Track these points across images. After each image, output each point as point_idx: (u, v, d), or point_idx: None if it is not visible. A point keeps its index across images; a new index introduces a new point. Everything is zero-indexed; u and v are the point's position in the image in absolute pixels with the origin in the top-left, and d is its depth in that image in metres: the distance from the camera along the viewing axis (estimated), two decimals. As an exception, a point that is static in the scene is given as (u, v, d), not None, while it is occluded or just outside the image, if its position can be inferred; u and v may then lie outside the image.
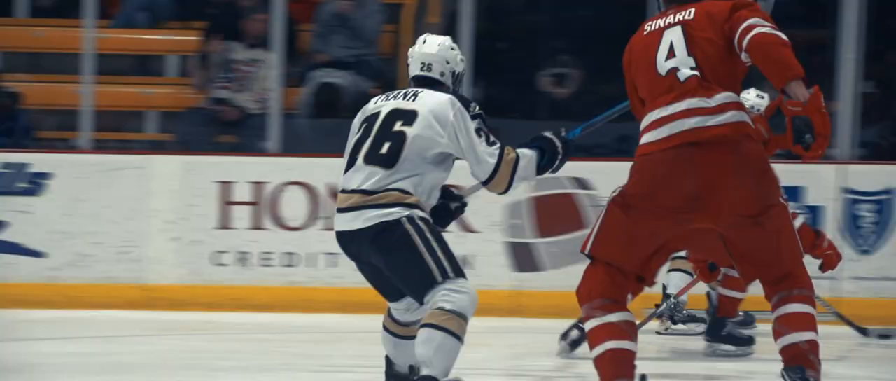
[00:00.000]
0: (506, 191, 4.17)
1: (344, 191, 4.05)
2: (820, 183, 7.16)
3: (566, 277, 6.17)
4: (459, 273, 3.95)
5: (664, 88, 3.81)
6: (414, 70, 4.25)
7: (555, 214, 7.19)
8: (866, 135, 7.53)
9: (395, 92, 4.19)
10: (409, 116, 4.02)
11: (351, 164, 4.07)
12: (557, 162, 4.18)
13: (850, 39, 7.39)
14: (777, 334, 3.86)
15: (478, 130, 4.06)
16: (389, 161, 3.98)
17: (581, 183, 7.16)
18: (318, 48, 8.33)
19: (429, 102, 4.04)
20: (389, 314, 4.21)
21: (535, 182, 6.87)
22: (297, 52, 8.24)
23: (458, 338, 3.86)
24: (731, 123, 3.74)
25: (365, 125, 4.11)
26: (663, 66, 3.84)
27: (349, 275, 5.26)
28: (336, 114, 7.97)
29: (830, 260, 5.67)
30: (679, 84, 3.79)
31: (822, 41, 7.78)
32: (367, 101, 4.30)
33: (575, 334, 5.53)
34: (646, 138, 3.81)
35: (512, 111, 8.12)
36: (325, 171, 7.12)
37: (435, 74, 4.19)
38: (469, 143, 4.03)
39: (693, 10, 3.88)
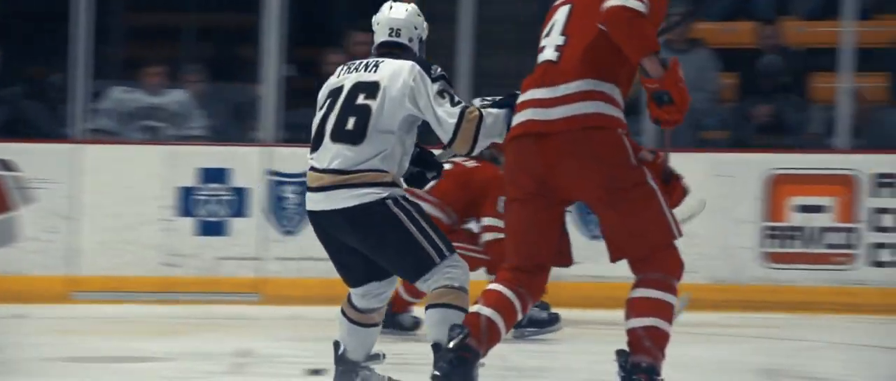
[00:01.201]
0: (471, 150, 4.18)
1: (314, 170, 4.06)
2: (246, 166, 7.39)
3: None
4: (451, 249, 4.03)
5: (534, 67, 3.93)
6: (381, 36, 4.29)
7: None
8: (290, 117, 7.72)
9: (357, 62, 4.21)
10: (372, 88, 4.05)
11: (318, 141, 4.10)
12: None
13: (273, 25, 7.56)
14: (625, 315, 3.81)
15: (441, 92, 4.11)
16: (356, 137, 4.00)
17: (5, 165, 7.20)
18: None
19: (389, 70, 4.08)
20: (349, 300, 4.23)
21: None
22: None
23: (466, 311, 3.93)
24: (568, 116, 3.74)
25: (329, 100, 4.14)
26: (541, 42, 3.91)
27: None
28: None
29: None
30: (538, 68, 3.88)
31: (248, 25, 7.91)
32: None
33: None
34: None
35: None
36: None
37: (404, 40, 4.24)
38: (428, 105, 4.05)
39: None
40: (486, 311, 3.79)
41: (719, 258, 7.30)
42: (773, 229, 7.32)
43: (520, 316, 3.94)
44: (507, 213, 3.99)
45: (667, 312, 3.79)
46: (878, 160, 7.64)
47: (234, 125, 8.29)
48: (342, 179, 4.03)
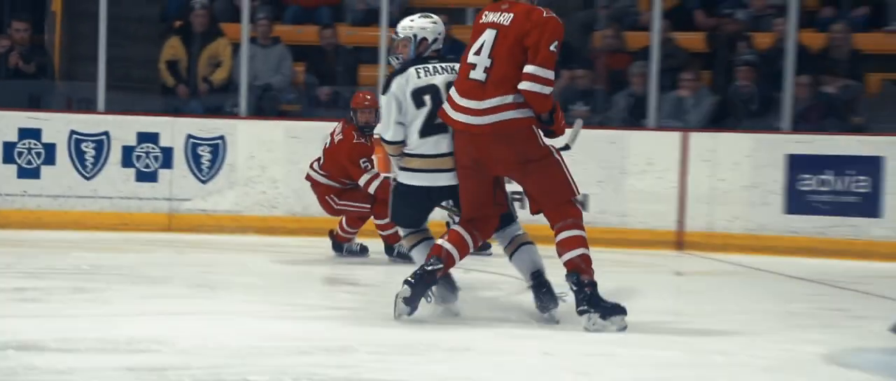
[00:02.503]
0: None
1: (443, 155, 5.23)
2: None
3: None
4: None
5: (464, 75, 5.08)
6: (440, 43, 5.41)
7: None
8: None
9: (431, 65, 5.31)
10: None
11: (432, 130, 5.21)
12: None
13: None
14: (558, 253, 5.05)
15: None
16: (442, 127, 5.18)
17: None
18: None
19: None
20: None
21: None
22: None
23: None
24: (493, 123, 5.00)
25: (430, 96, 5.21)
26: (471, 58, 5.09)
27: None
28: None
29: None
30: (468, 81, 5.06)
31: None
32: None
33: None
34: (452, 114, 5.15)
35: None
36: None
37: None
38: None
39: (512, 14, 5.05)
40: (447, 245, 5.11)
41: (292, 197, 9.03)
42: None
43: (471, 250, 5.23)
44: (460, 181, 5.20)
45: (584, 242, 5.05)
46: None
47: None
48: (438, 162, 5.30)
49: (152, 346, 4.41)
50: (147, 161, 9.20)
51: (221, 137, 9.31)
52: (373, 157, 7.83)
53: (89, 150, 9.10)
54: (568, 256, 5.04)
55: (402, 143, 5.31)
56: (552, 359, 4.57)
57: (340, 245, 8.04)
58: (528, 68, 4.90)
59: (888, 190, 8.43)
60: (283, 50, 10.11)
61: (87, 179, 9.07)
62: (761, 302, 6.57)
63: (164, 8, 11.08)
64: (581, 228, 5.07)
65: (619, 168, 8.87)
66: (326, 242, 7.96)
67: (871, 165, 8.47)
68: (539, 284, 5.32)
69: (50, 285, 6.22)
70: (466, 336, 4.92)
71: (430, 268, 5.10)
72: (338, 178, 7.79)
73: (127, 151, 9.19)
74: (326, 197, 7.88)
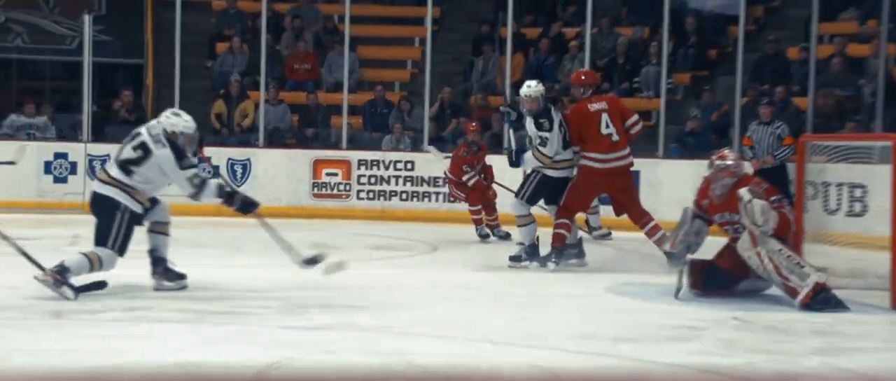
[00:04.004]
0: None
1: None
2: None
3: None
4: None
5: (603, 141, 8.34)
6: None
7: None
8: None
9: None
10: None
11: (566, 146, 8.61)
12: None
13: None
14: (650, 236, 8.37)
15: None
16: None
17: None
18: None
19: None
20: None
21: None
22: None
23: None
24: (625, 165, 8.37)
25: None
26: (602, 128, 8.27)
27: None
28: None
29: None
30: (605, 140, 8.30)
31: None
32: None
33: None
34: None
35: None
36: None
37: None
38: None
39: (605, 102, 8.47)
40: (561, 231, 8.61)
41: (290, 195, 13.00)
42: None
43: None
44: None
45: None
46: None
47: None
48: None
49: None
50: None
51: (248, 159, 13.13)
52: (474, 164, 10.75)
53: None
54: (657, 237, 8.28)
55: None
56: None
57: (479, 229, 10.98)
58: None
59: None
60: (285, 107, 14.09)
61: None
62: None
63: (213, 81, 14.99)
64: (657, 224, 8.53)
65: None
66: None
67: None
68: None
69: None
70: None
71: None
72: (457, 175, 10.89)
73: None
74: (451, 187, 11.11)
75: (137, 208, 6.70)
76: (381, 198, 13.43)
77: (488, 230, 10.95)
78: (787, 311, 6.74)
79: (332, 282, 7.41)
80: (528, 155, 8.46)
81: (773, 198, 7.07)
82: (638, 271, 8.54)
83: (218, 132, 14.28)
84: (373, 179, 13.40)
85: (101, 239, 6.68)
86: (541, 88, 8.52)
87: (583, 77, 8.79)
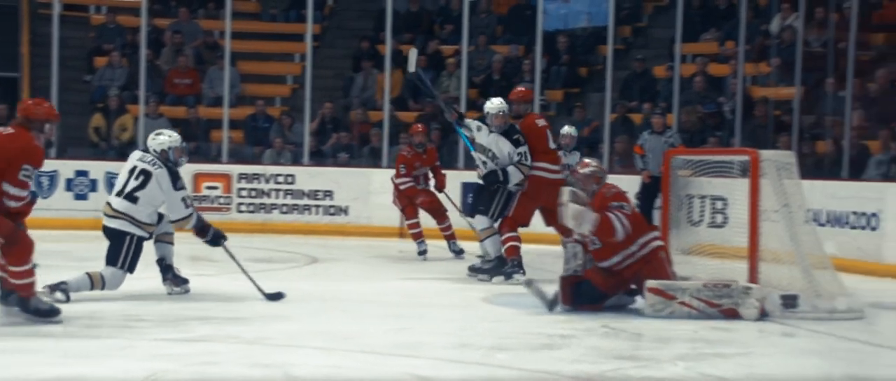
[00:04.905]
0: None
1: None
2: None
3: None
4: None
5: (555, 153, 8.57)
6: None
7: None
8: None
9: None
10: None
11: None
12: None
13: None
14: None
15: None
16: None
17: None
18: None
19: None
20: None
21: None
22: None
23: None
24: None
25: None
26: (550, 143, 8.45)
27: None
28: None
29: None
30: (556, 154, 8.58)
31: None
32: None
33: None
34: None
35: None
36: None
37: None
38: None
39: (543, 119, 8.80)
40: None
41: None
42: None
43: None
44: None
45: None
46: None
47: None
48: None
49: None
50: (81, 188, 13.05)
51: (129, 173, 13.55)
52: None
53: (45, 180, 12.81)
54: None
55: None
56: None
57: (419, 244, 10.59)
58: None
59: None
60: (165, 121, 13.60)
61: (44, 198, 12.70)
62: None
63: (92, 94, 14.85)
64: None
65: (367, 189, 13.43)
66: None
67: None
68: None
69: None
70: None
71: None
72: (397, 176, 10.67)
73: (68, 183, 13.02)
74: (394, 197, 10.83)
75: (144, 234, 7.11)
76: (262, 211, 13.35)
77: (426, 245, 10.49)
78: (654, 320, 6.87)
79: (212, 294, 7.32)
80: (513, 169, 8.43)
81: (613, 204, 7.09)
82: (514, 281, 8.61)
83: (96, 146, 14.20)
84: (253, 193, 13.38)
85: (111, 260, 7.08)
86: (504, 103, 8.53)
87: (523, 93, 8.98)
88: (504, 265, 8.58)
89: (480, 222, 8.73)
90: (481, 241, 8.80)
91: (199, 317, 6.61)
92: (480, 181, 8.80)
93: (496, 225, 8.70)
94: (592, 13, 15.90)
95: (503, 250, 8.59)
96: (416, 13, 16.48)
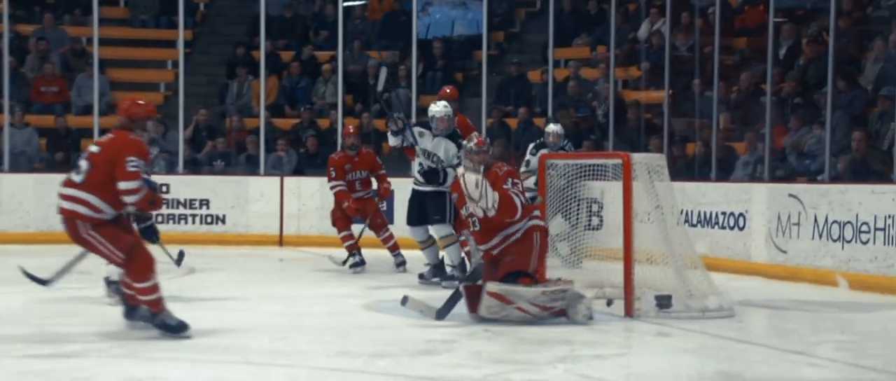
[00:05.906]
0: None
1: None
2: None
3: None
4: None
5: None
6: None
7: None
8: None
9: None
10: None
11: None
12: None
13: None
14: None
15: None
16: None
17: None
18: None
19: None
20: None
21: None
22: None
23: None
24: None
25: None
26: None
27: None
28: None
29: None
30: None
31: None
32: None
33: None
34: None
35: None
36: None
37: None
38: None
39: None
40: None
41: (40, 220, 12.66)
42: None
43: None
44: None
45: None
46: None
47: None
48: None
49: None
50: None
51: (-6, 186, 12.97)
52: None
53: None
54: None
55: None
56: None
57: (352, 256, 9.93)
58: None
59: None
60: (31, 130, 13.81)
61: None
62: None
63: None
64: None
65: (244, 197, 13.29)
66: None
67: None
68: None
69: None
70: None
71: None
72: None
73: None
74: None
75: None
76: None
77: (359, 257, 9.87)
78: (536, 324, 6.91)
79: (83, 309, 7.09)
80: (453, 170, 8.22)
81: (511, 180, 6.93)
82: (395, 287, 8.59)
83: (-39, 157, 13.70)
84: (126, 203, 12.94)
85: None
86: (448, 107, 8.46)
87: (452, 93, 9.18)
88: (442, 270, 8.70)
89: (441, 230, 8.66)
90: (444, 248, 8.75)
91: (70, 332, 6.45)
92: (416, 186, 8.85)
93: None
94: (467, 19, 15.98)
95: (463, 253, 8.56)
96: (290, 19, 16.41)
